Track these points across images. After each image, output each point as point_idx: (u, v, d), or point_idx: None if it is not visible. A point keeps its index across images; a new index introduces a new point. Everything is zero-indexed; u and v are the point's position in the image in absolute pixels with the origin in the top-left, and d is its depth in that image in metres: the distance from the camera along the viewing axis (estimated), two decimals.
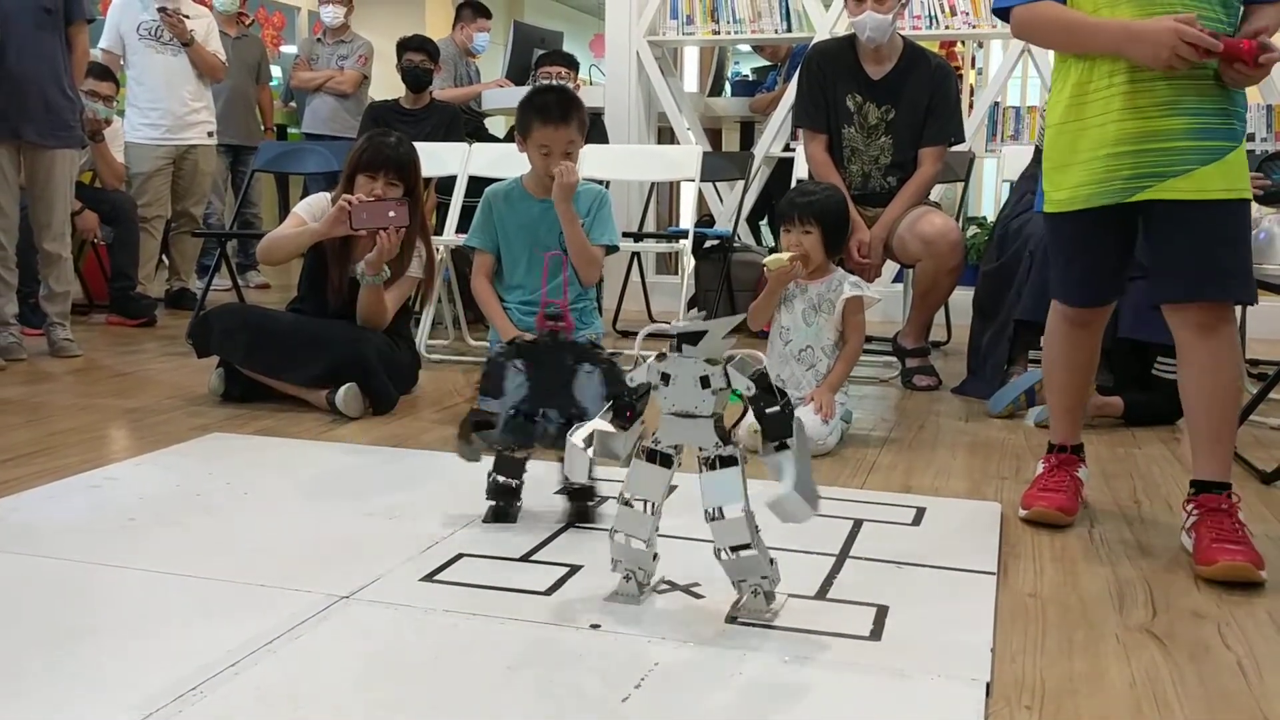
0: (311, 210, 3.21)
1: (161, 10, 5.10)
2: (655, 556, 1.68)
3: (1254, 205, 3.63)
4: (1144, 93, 1.85)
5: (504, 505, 2.08)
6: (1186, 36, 1.75)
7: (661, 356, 1.61)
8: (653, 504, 1.64)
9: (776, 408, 1.59)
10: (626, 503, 1.64)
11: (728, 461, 1.59)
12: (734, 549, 1.60)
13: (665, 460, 1.63)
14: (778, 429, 1.59)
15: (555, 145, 2.83)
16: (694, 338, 1.58)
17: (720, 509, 1.59)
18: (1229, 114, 1.85)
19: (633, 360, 1.72)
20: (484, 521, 2.06)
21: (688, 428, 1.61)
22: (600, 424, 1.69)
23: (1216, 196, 1.83)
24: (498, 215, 2.91)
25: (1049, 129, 2.01)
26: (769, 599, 1.62)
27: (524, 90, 5.28)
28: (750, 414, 2.11)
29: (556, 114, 2.82)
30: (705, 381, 1.58)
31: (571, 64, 5.18)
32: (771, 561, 1.61)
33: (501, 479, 2.08)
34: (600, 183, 4.74)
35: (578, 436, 1.65)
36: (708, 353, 1.58)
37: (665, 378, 1.60)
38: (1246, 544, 1.83)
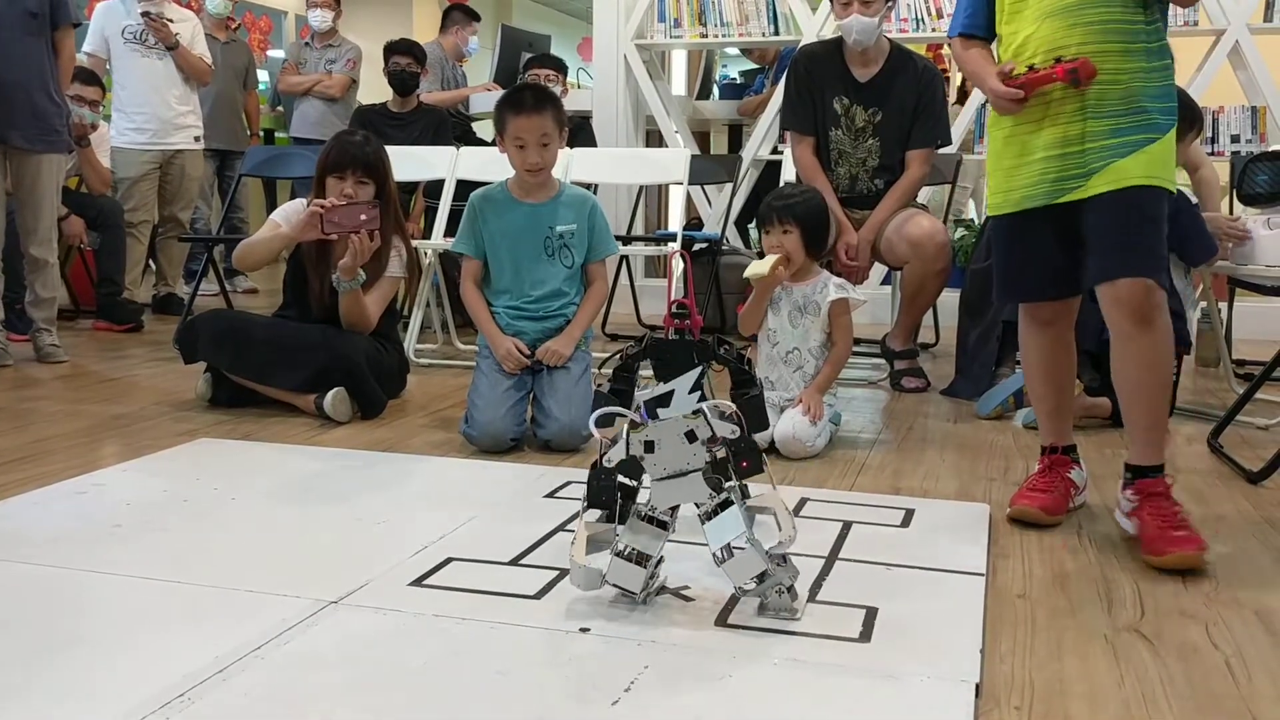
0: (287, 216, 3.20)
1: (145, 14, 5.09)
2: (654, 576, 1.68)
3: (1239, 206, 3.66)
4: (1065, 100, 1.97)
5: (623, 506, 2.06)
6: (998, 93, 1.98)
7: (634, 426, 1.61)
8: (649, 558, 1.64)
9: (750, 444, 1.67)
10: (620, 555, 1.63)
11: (725, 505, 1.61)
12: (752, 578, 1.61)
13: (661, 524, 1.65)
14: (756, 465, 1.67)
15: (529, 136, 2.75)
16: (664, 400, 1.60)
17: (729, 546, 1.59)
18: (1145, 111, 1.94)
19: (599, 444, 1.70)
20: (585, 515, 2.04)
21: (681, 487, 1.61)
22: (587, 528, 1.71)
23: (1133, 183, 1.92)
24: (482, 220, 2.88)
25: (990, 137, 2.16)
26: (794, 595, 1.64)
27: None
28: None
29: (530, 103, 2.76)
30: (691, 436, 1.59)
31: (559, 67, 5.18)
32: (785, 559, 1.62)
33: (621, 479, 2.06)
34: (587, 186, 4.75)
35: (578, 554, 1.67)
36: (682, 409, 1.60)
37: (649, 445, 1.59)
38: (1188, 529, 1.90)
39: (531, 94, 2.82)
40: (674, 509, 1.66)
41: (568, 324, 2.88)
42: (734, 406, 1.68)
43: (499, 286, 2.89)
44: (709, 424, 1.60)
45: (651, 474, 1.62)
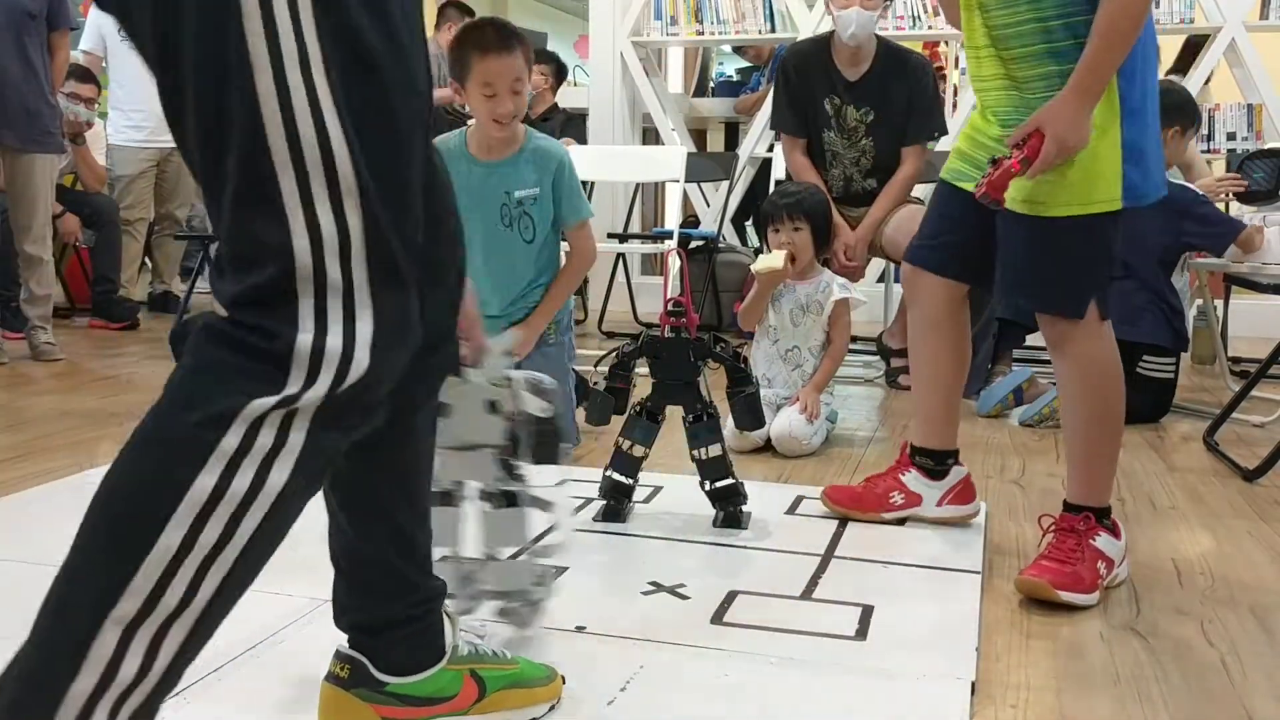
0: None
1: None
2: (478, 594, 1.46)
3: (1235, 204, 3.67)
4: (986, 93, 1.83)
5: (616, 504, 2.07)
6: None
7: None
8: (455, 553, 1.43)
9: (554, 427, 1.41)
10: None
11: (512, 499, 1.41)
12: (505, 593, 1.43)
13: (447, 498, 1.41)
14: (550, 454, 1.42)
15: (500, 80, 2.38)
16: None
17: (498, 552, 1.42)
18: None
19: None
20: (595, 520, 2.05)
21: (466, 462, 1.39)
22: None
23: (1028, 211, 1.71)
24: None
25: None
26: (534, 610, 1.45)
27: None
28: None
29: (496, 43, 2.38)
30: (494, 406, 1.35)
31: (551, 61, 5.16)
32: (541, 578, 1.46)
33: (617, 477, 2.07)
34: (584, 184, 4.74)
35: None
36: (489, 374, 1.35)
37: (442, 408, 1.30)
38: (1063, 562, 1.72)
39: (496, 31, 2.43)
40: (460, 483, 1.43)
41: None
42: (553, 382, 1.42)
43: None
44: (517, 396, 1.37)
45: (439, 440, 1.30)
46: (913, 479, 2.06)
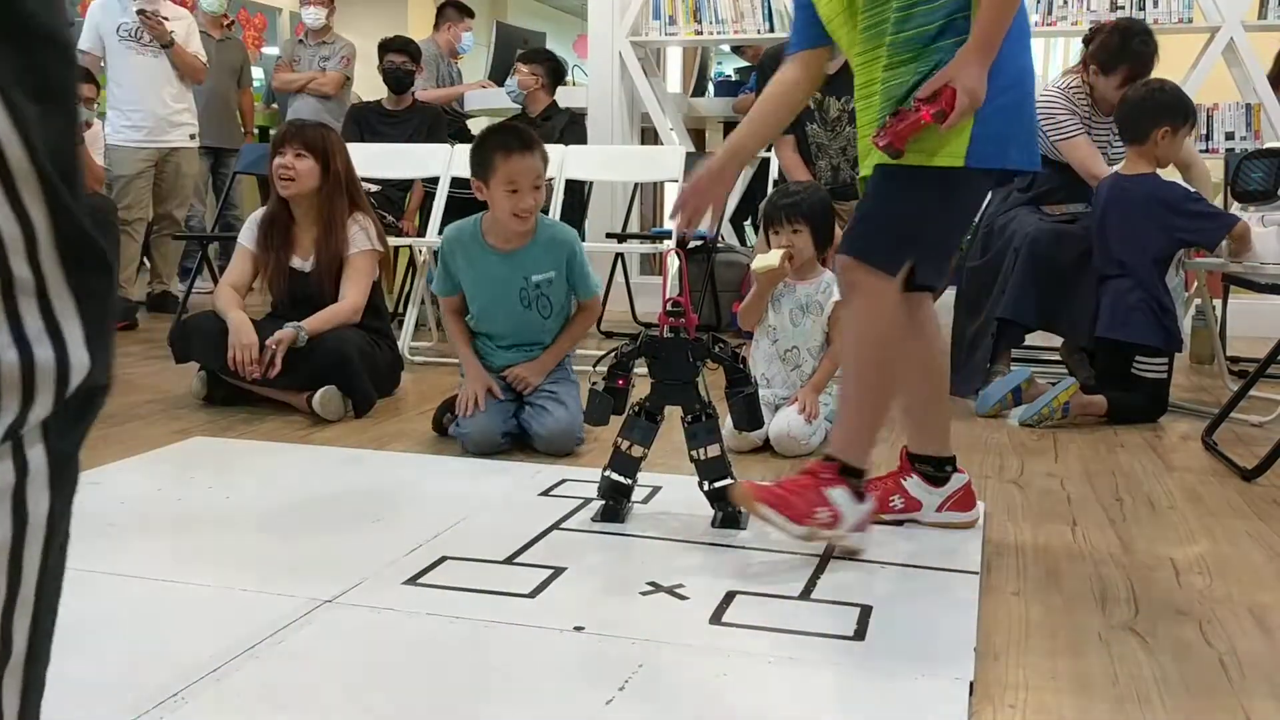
0: (250, 234, 3.25)
1: (140, 12, 5.07)
2: None
3: (1234, 205, 3.66)
4: (868, 110, 1.89)
5: (615, 504, 2.08)
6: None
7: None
8: None
9: None
10: None
11: None
12: None
13: None
14: None
15: (523, 178, 2.58)
16: None
17: None
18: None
19: None
20: (593, 520, 2.06)
21: None
22: None
23: (878, 161, 1.82)
24: (454, 262, 2.76)
25: None
26: None
27: (506, 91, 5.27)
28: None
29: (519, 144, 2.60)
30: None
31: (544, 61, 5.15)
32: None
33: (616, 477, 2.07)
34: (581, 184, 4.73)
35: None
36: None
37: None
38: (783, 488, 1.85)
39: (516, 135, 2.66)
40: None
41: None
42: None
43: (481, 329, 2.80)
44: None
45: None
46: (914, 484, 2.07)
